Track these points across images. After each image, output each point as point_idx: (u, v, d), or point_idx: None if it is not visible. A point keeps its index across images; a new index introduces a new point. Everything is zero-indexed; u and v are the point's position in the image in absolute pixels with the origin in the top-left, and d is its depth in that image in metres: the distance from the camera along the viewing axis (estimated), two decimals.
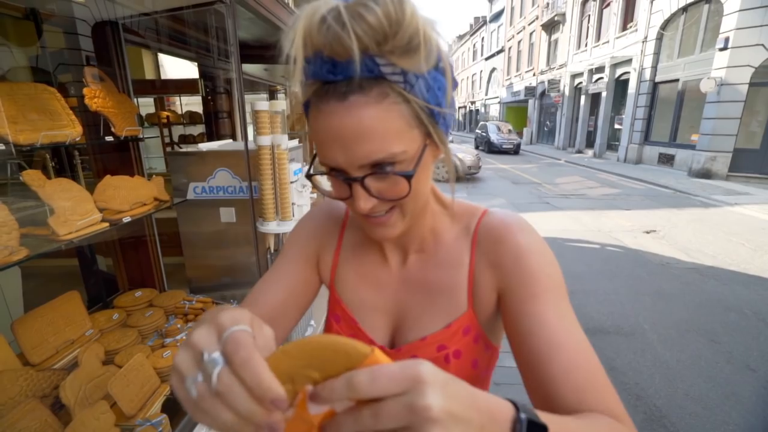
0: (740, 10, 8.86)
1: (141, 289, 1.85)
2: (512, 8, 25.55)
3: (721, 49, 9.31)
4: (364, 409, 0.26)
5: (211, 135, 3.28)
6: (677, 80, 11.48)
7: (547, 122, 21.78)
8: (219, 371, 0.26)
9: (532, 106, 22.78)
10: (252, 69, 3.80)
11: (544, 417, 0.32)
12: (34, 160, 1.98)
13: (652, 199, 8.06)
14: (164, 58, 4.93)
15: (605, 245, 5.15)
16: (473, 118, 37.16)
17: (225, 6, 1.76)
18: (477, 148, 18.57)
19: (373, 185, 0.45)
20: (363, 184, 0.45)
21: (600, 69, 15.12)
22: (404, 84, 0.41)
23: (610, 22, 14.64)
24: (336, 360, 0.28)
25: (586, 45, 16.40)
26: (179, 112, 4.80)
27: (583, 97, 16.66)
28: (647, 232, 5.69)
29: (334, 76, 0.40)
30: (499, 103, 29.43)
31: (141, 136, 1.83)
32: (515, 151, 17.74)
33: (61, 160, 2.10)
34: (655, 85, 12.49)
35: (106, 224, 1.38)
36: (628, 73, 13.47)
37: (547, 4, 19.44)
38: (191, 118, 4.53)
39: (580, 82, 16.71)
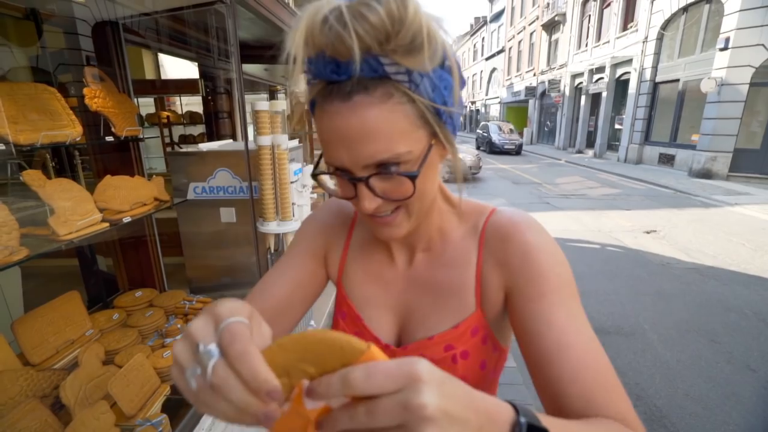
0: (741, 10, 8.85)
1: (141, 289, 1.85)
2: (513, 8, 25.54)
3: (721, 49, 9.31)
4: (360, 406, 0.26)
5: (212, 135, 3.28)
6: (678, 80, 11.47)
7: (548, 122, 21.77)
8: (214, 363, 0.26)
9: (533, 106, 22.78)
10: (252, 69, 3.80)
11: (545, 420, 0.31)
12: (35, 160, 1.98)
13: (652, 199, 8.06)
14: (164, 58, 4.94)
15: (605, 245, 5.15)
16: (473, 119, 37.16)
17: (225, 6, 1.76)
18: (478, 148, 18.48)
19: (377, 185, 0.45)
20: (368, 184, 0.45)
21: (600, 69, 15.11)
22: (409, 83, 0.41)
23: (610, 22, 14.64)
24: (331, 355, 0.27)
25: (586, 45, 16.39)
26: (179, 112, 4.80)
27: (583, 97, 16.65)
28: (647, 232, 5.69)
29: (338, 76, 0.40)
30: (499, 103, 29.43)
31: (141, 136, 1.83)
32: (517, 151, 17.54)
33: (61, 160, 2.10)
34: (655, 85, 12.49)
35: (106, 224, 1.38)
36: (629, 73, 13.46)
37: (548, 4, 19.44)
38: (191, 118, 4.53)
39: (581, 82, 16.70)
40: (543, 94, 20.99)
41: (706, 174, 9.94)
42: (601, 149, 15.37)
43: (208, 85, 3.15)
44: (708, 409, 2.28)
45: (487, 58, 32.12)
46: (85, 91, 1.51)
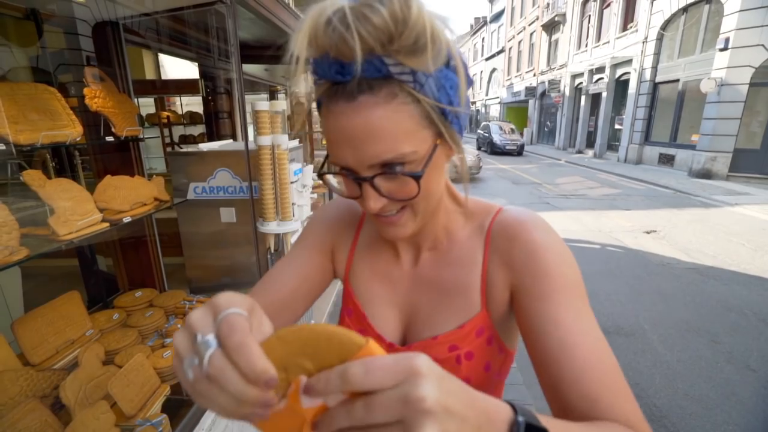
0: (741, 11, 8.85)
1: (141, 289, 1.85)
2: (513, 8, 25.54)
3: (721, 50, 9.31)
4: (357, 401, 0.26)
5: (212, 135, 3.27)
6: (677, 80, 11.47)
7: (548, 122, 21.77)
8: (210, 354, 0.26)
9: (533, 106, 22.78)
10: (252, 69, 3.80)
11: (545, 420, 0.31)
12: (35, 160, 1.98)
13: (652, 199, 8.06)
14: (164, 59, 4.93)
15: (605, 245, 5.15)
16: (473, 119, 37.18)
17: (225, 6, 1.76)
18: (479, 149, 18.34)
19: (382, 185, 0.45)
20: (372, 184, 0.45)
21: (600, 69, 15.12)
22: (414, 83, 0.41)
23: (610, 23, 14.64)
24: (329, 349, 0.27)
25: (586, 45, 16.40)
26: (179, 113, 4.80)
27: (583, 98, 16.65)
28: (647, 233, 5.69)
29: (343, 77, 0.40)
30: (499, 103, 29.44)
31: (141, 136, 1.83)
32: (519, 152, 17.14)
33: (61, 160, 2.10)
34: (655, 86, 12.49)
35: (107, 224, 1.38)
36: (629, 73, 13.47)
37: (548, 4, 19.44)
38: (191, 118, 4.53)
39: (581, 83, 16.70)
40: (543, 94, 20.99)
41: (706, 174, 9.94)
42: (601, 149, 15.37)
43: (208, 85, 3.15)
44: (708, 409, 2.28)
45: (487, 59, 32.13)
46: (86, 91, 1.51)
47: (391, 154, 0.42)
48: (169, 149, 3.37)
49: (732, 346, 2.89)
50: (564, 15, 17.95)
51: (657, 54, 12.24)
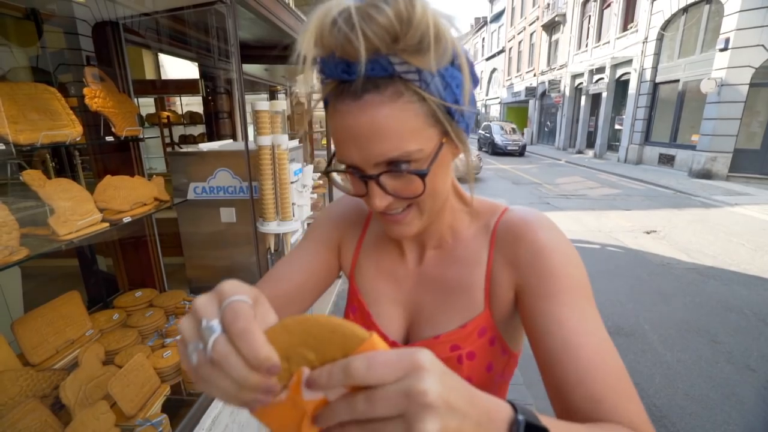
0: (741, 11, 8.86)
1: (141, 289, 1.85)
2: (513, 9, 25.55)
3: (721, 50, 9.31)
4: (359, 394, 0.26)
5: (212, 135, 3.27)
6: (678, 81, 11.48)
7: (548, 123, 21.77)
8: (214, 339, 0.26)
9: (533, 106, 22.78)
10: (252, 69, 3.80)
11: (545, 420, 0.31)
12: (34, 160, 1.98)
13: (652, 199, 8.06)
14: (165, 58, 4.94)
15: (606, 245, 5.15)
16: (474, 119, 37.16)
17: (225, 6, 1.76)
18: (480, 149, 18.23)
19: (388, 183, 0.46)
20: (378, 182, 0.45)
21: (600, 69, 15.12)
22: (419, 82, 0.41)
23: (610, 23, 14.64)
24: (332, 341, 0.27)
25: (586, 45, 16.40)
26: (179, 113, 4.80)
27: (583, 98, 16.65)
28: (648, 233, 5.69)
29: (349, 76, 0.41)
30: (499, 103, 29.45)
31: (141, 136, 1.83)
32: (521, 152, 16.88)
33: (61, 160, 2.10)
34: (655, 86, 12.49)
35: (107, 224, 1.37)
36: (629, 73, 13.46)
37: (548, 4, 19.44)
38: (192, 118, 4.53)
39: (581, 83, 16.70)
40: (543, 94, 20.99)
41: (706, 174, 9.94)
42: (601, 149, 15.37)
43: (208, 85, 3.15)
44: (708, 408, 2.28)
45: (488, 59, 32.14)
46: (85, 91, 1.51)
47: (397, 152, 0.42)
48: (169, 149, 3.37)
49: (732, 346, 2.89)
50: (564, 15, 17.95)
51: (657, 54, 12.24)
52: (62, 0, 1.69)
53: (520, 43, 24.38)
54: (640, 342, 2.95)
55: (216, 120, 3.19)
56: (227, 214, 2.01)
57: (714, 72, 9.55)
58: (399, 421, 0.25)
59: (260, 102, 1.70)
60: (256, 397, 0.27)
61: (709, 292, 3.77)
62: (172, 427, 1.26)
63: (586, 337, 0.44)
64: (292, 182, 1.84)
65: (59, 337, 1.37)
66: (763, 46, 8.80)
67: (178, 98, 5.35)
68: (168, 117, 4.44)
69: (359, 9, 0.37)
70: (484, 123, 20.01)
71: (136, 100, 1.95)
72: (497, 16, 29.53)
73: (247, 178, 1.87)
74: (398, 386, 0.25)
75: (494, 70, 30.99)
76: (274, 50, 2.72)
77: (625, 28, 13.81)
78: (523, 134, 19.83)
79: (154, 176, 1.81)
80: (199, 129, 4.57)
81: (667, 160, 12.01)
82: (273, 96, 5.04)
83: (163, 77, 5.00)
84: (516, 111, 26.80)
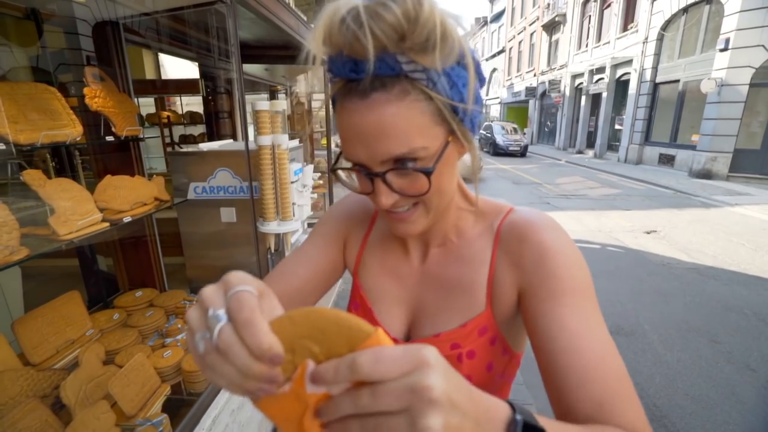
0: (741, 11, 8.86)
1: (141, 289, 1.85)
2: (513, 9, 25.55)
3: (721, 50, 9.31)
4: (363, 389, 0.26)
5: (212, 135, 3.27)
6: (678, 81, 11.48)
7: (548, 123, 21.76)
8: (220, 328, 0.27)
9: (533, 106, 22.77)
10: (252, 69, 3.80)
11: (543, 421, 0.31)
12: (35, 159, 1.98)
13: (652, 199, 8.06)
14: (165, 58, 4.94)
15: (606, 245, 5.15)
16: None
17: (226, 6, 1.76)
18: (481, 149, 18.20)
19: (394, 181, 0.46)
20: (384, 180, 0.46)
21: (600, 69, 15.12)
22: (426, 81, 0.41)
23: (610, 23, 14.64)
24: (338, 334, 0.27)
25: (586, 45, 16.40)
26: (180, 112, 4.80)
27: (583, 98, 16.65)
28: (648, 233, 5.69)
29: (356, 75, 0.41)
30: (499, 103, 29.44)
31: (141, 136, 1.83)
32: (522, 153, 16.55)
33: (61, 160, 2.10)
34: (655, 86, 12.49)
35: (107, 224, 1.38)
36: (629, 73, 13.46)
37: (548, 4, 19.44)
38: (192, 118, 4.54)
39: (581, 83, 16.70)
40: (543, 94, 20.98)
41: (706, 174, 9.94)
42: (602, 149, 15.37)
43: (208, 85, 3.14)
44: (708, 408, 2.28)
45: (488, 59, 32.13)
46: (86, 90, 1.51)
47: (403, 149, 0.43)
48: (169, 149, 3.38)
49: (732, 346, 2.89)
50: (564, 15, 17.94)
51: (657, 54, 12.24)
52: (62, 0, 1.69)
53: (520, 43, 24.38)
54: (640, 342, 2.95)
55: (216, 120, 3.19)
56: (227, 214, 2.01)
57: (714, 72, 9.55)
58: (402, 416, 0.25)
59: (260, 102, 1.70)
60: (260, 386, 0.27)
61: (709, 292, 3.77)
62: (173, 427, 1.26)
63: (588, 339, 0.44)
64: (292, 182, 1.84)
65: (59, 336, 1.37)
66: (763, 46, 8.80)
67: (178, 98, 5.35)
68: (168, 117, 4.44)
69: (368, 7, 0.38)
70: (485, 123, 19.91)
71: (136, 99, 1.95)
72: (497, 16, 29.54)
73: (247, 177, 1.87)
74: (404, 381, 0.25)
75: (494, 70, 30.98)
76: (274, 50, 2.72)
77: (625, 29, 13.81)
78: (524, 134, 19.80)
79: (155, 176, 1.81)
80: (199, 129, 4.57)
81: (667, 160, 12.01)
82: (273, 96, 5.04)
83: (163, 77, 5.00)
84: (516, 111, 26.79)
